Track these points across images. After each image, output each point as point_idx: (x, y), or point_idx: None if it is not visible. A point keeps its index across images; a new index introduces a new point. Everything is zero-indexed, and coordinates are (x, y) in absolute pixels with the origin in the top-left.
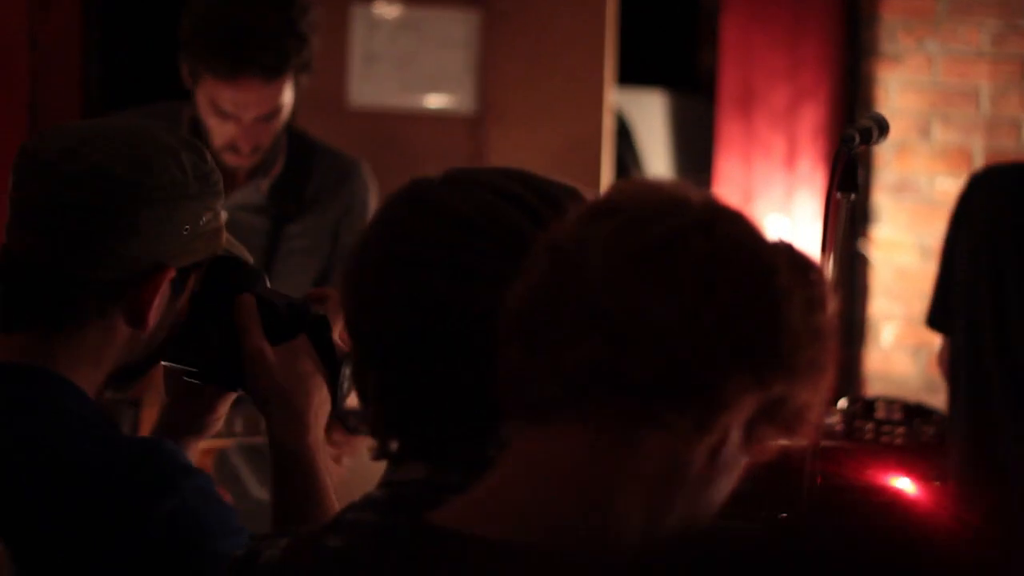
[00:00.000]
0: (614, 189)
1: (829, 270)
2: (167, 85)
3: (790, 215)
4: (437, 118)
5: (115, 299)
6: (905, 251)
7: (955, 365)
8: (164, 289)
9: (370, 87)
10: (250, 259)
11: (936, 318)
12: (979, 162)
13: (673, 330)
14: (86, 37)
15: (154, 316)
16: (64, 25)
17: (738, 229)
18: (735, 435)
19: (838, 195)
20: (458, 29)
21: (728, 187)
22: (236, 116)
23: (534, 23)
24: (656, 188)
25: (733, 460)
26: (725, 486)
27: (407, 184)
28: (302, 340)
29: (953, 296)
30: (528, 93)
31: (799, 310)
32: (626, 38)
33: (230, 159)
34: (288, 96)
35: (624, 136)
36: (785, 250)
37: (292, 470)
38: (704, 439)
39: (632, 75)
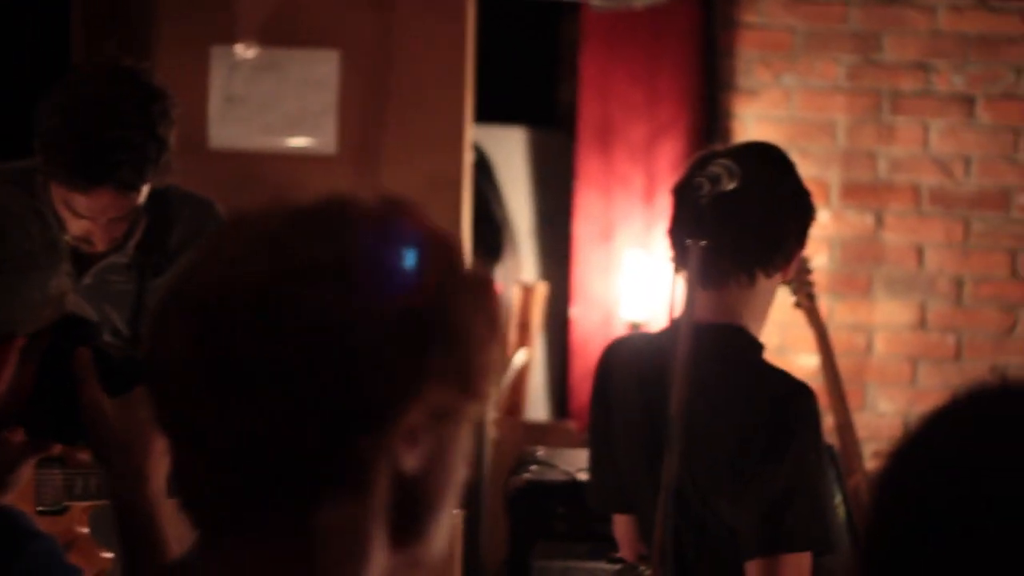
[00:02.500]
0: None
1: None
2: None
3: (649, 249)
4: (298, 158)
5: None
6: None
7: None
8: (13, 357)
9: (230, 128)
10: (91, 313)
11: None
12: (836, 194)
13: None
14: None
15: (3, 384)
16: None
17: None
18: (408, 449)
19: (689, 242)
20: (317, 69)
21: (588, 221)
22: (91, 218)
23: (393, 62)
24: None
25: (434, 459)
26: (450, 478)
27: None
28: (140, 391)
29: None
30: (388, 131)
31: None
32: (485, 75)
33: (85, 248)
34: (145, 192)
35: (485, 173)
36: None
37: (132, 521)
38: (375, 486)
39: (492, 112)
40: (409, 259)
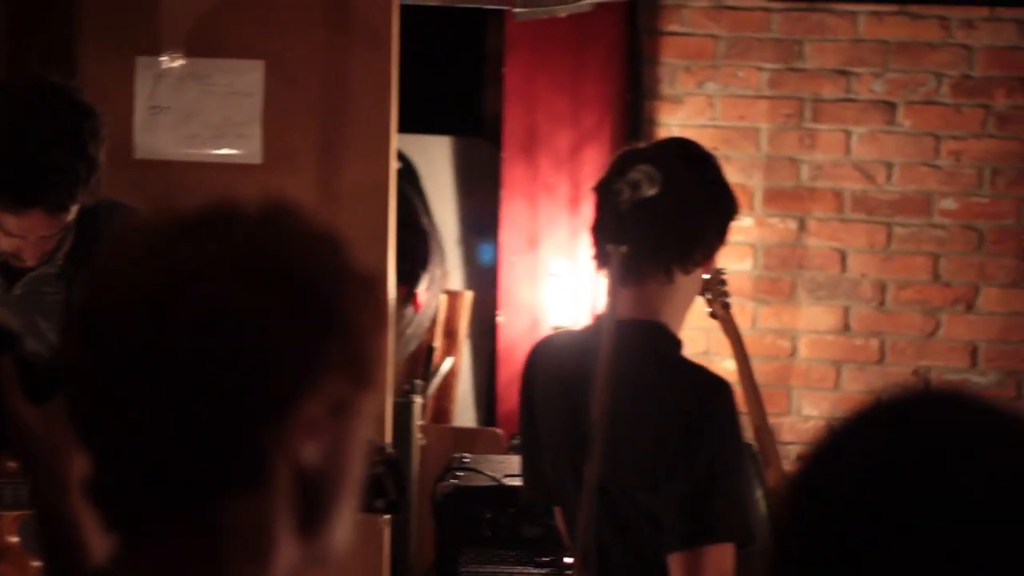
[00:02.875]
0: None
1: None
2: None
3: (573, 258)
4: (224, 167)
5: None
6: None
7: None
8: None
9: (156, 138)
10: (13, 323)
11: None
12: (760, 200)
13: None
14: None
15: None
16: None
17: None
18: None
19: (610, 248)
20: (243, 79)
21: (514, 230)
22: (21, 236)
23: (318, 72)
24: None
25: (334, 452)
26: (350, 471)
27: None
28: (62, 399)
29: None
30: (313, 141)
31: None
32: (410, 85)
33: (15, 263)
34: (75, 210)
35: (412, 182)
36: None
37: (56, 529)
38: (276, 480)
39: (418, 121)
40: (295, 254)
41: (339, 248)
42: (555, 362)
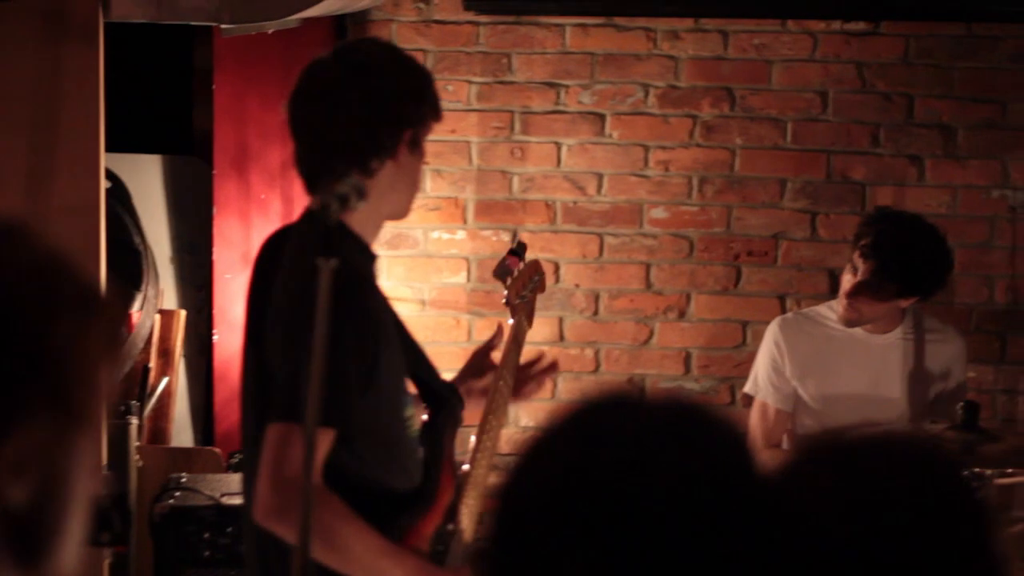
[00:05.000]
0: None
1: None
2: None
3: None
4: None
5: None
6: (403, 304)
7: None
8: None
9: None
10: None
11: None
12: (472, 213)
13: None
14: None
15: None
16: None
17: None
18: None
19: (320, 261)
20: None
21: (226, 248)
22: None
23: (26, 90)
24: None
25: (47, 486)
26: (70, 502)
27: None
28: None
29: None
30: (20, 159)
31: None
32: (120, 103)
33: None
34: None
35: (122, 201)
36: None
37: None
38: None
39: (128, 140)
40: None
41: (57, 275)
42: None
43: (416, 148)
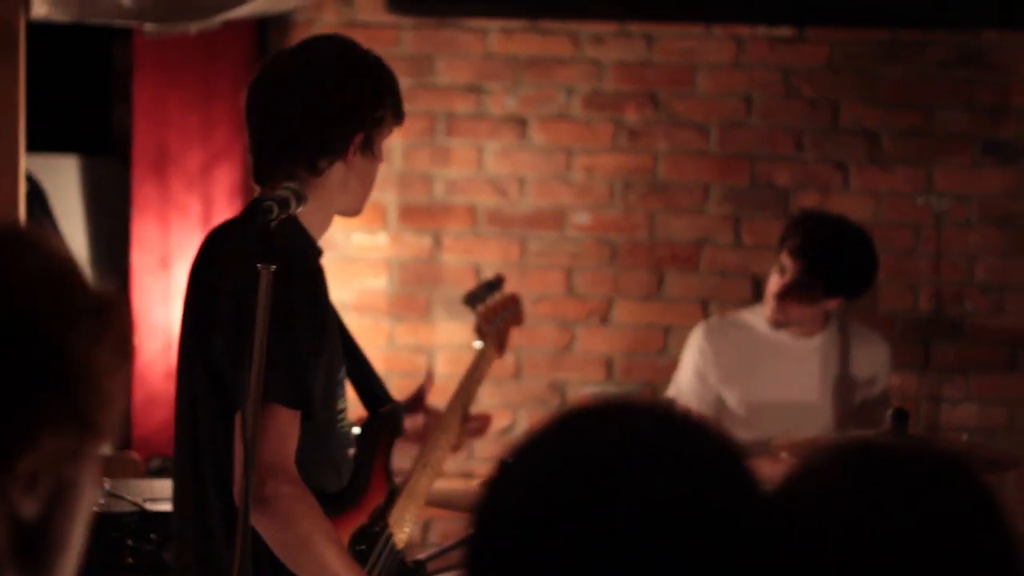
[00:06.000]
0: None
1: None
2: None
3: None
4: None
5: None
6: None
7: None
8: None
9: None
10: None
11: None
12: (394, 216)
13: None
14: None
15: None
16: None
17: None
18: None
19: (259, 267)
20: None
21: (145, 250)
22: None
23: None
24: None
25: (56, 501)
26: (76, 517)
27: None
28: None
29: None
30: None
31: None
32: (38, 103)
33: None
34: None
35: (40, 203)
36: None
37: None
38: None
39: (45, 140)
40: (14, 295)
41: (71, 283)
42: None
43: (369, 151)
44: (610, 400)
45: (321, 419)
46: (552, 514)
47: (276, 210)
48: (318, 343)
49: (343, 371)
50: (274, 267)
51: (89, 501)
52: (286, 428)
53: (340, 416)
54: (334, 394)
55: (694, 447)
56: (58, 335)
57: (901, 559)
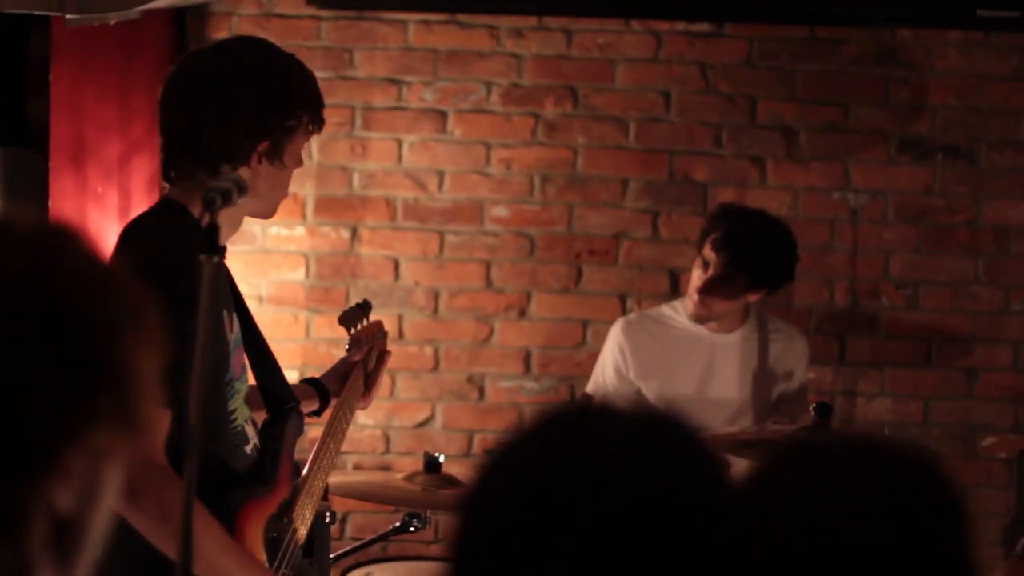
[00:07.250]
0: None
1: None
2: None
3: None
4: None
5: None
6: None
7: None
8: None
9: None
10: None
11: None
12: (312, 209)
13: None
14: None
15: None
16: None
17: None
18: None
19: (202, 258)
20: None
21: None
22: None
23: None
24: None
25: (87, 494)
26: (102, 509)
27: None
28: None
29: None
30: None
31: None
32: None
33: None
34: None
35: None
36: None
37: None
38: (31, 530)
39: None
40: (66, 291)
41: (116, 283)
42: None
43: (276, 159)
44: (595, 402)
45: (211, 418)
46: (534, 507)
47: (219, 201)
48: (184, 350)
49: (231, 372)
50: (217, 259)
51: (112, 496)
52: (154, 426)
53: (232, 417)
54: (223, 395)
55: (673, 444)
56: (110, 336)
57: (866, 552)
